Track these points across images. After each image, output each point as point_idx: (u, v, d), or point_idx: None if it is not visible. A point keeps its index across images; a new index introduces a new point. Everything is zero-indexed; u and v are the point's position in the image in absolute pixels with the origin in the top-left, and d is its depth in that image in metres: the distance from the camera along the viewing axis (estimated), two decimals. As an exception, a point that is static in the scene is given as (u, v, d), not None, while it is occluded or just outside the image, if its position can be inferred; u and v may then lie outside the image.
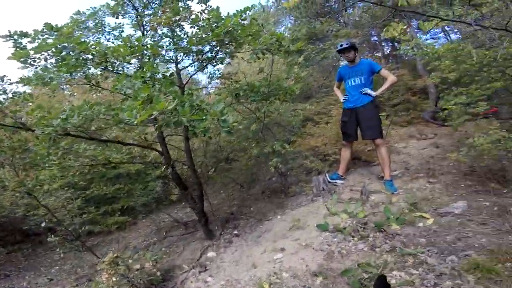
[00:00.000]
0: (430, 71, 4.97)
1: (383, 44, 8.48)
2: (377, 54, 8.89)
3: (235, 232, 3.55)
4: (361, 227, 2.44)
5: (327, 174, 3.58)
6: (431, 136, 4.86)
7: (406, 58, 8.31)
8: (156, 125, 2.02)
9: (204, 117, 2.05)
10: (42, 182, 3.94)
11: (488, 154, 2.63)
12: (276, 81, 3.24)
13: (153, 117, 1.77)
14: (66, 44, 2.57)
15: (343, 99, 3.44)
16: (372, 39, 8.39)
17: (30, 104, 2.88)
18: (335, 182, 3.50)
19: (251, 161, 4.11)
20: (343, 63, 3.56)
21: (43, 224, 4.26)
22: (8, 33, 2.77)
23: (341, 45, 3.26)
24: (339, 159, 3.73)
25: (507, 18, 1.97)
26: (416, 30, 6.72)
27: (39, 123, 2.33)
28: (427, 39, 7.32)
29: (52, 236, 3.79)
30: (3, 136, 3.06)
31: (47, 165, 3.21)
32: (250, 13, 3.01)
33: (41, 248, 5.23)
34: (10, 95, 2.97)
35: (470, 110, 3.10)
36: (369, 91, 3.23)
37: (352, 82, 3.34)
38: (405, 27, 2.21)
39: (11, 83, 2.99)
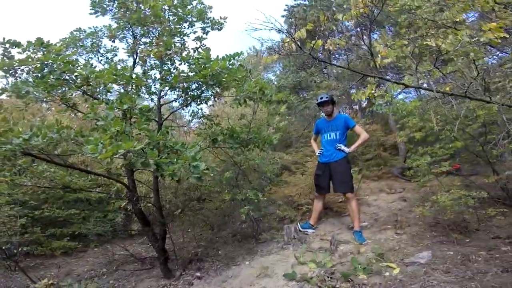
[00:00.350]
0: (400, 128, 5.34)
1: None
2: (355, 106, 9.49)
3: (198, 274, 3.34)
4: (328, 277, 2.43)
5: (298, 223, 3.61)
6: (400, 190, 5.17)
7: (381, 112, 8.93)
8: (122, 164, 1.93)
9: (174, 160, 2.02)
10: (-13, 195, 3.58)
11: (450, 209, 2.82)
12: (256, 129, 3.32)
13: (118, 155, 1.71)
14: (51, 62, 2.55)
15: (318, 153, 3.54)
16: (352, 91, 9.03)
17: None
18: (306, 231, 3.53)
19: (224, 204, 4.01)
20: (323, 115, 3.69)
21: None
22: (2, 40, 2.74)
23: (321, 98, 3.41)
24: (311, 209, 3.79)
25: (469, 81, 2.17)
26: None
27: (-3, 140, 2.18)
28: (398, 94, 7.88)
29: None
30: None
31: (-4, 179, 2.94)
32: (239, 59, 3.18)
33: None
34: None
35: (434, 171, 3.31)
36: (343, 147, 3.35)
37: (328, 136, 3.46)
38: (373, 91, 2.38)
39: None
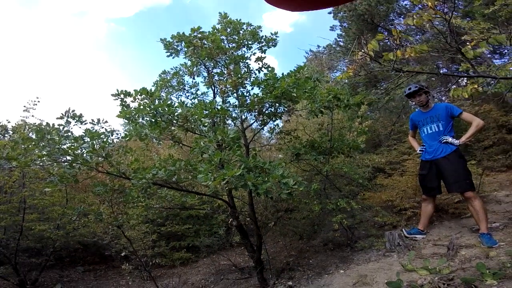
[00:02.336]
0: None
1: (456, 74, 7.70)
2: (453, 86, 8.05)
3: (290, 283, 3.50)
4: (444, 284, 2.16)
5: (404, 229, 3.30)
6: (540, 180, 4.23)
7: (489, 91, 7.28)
8: (226, 187, 2.37)
9: (266, 179, 2.34)
10: (130, 217, 4.79)
11: None
12: (338, 136, 3.36)
13: (224, 182, 2.14)
14: (160, 109, 3.34)
15: (420, 151, 3.17)
16: (441, 71, 7.75)
17: (130, 156, 3.69)
18: (415, 236, 3.18)
19: (312, 213, 4.13)
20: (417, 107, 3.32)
21: (123, 253, 5.06)
22: (116, 92, 3.70)
23: (409, 89, 3.08)
24: (418, 213, 3.52)
25: None
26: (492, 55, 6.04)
27: (136, 177, 3.00)
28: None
29: (127, 264, 4.45)
30: (107, 180, 3.97)
31: (135, 204, 3.97)
32: (304, 71, 3.34)
33: (112, 272, 6.01)
34: (113, 146, 3.87)
35: None
36: (450, 139, 2.91)
37: (428, 129, 3.07)
38: (475, 87, 2.12)
39: (118, 138, 3.95)
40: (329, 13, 10.40)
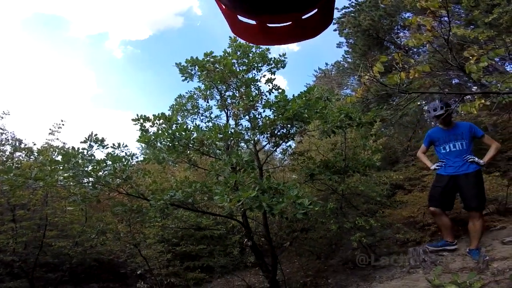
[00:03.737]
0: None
1: (469, 85, 7.58)
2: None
3: None
4: None
5: (428, 245, 3.26)
6: None
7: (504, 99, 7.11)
8: (241, 208, 2.48)
9: (280, 200, 2.43)
10: (146, 237, 4.93)
11: None
12: (352, 155, 3.42)
13: (240, 203, 2.25)
14: (177, 134, 3.55)
15: (438, 166, 3.18)
16: (454, 81, 7.66)
17: (148, 178, 3.89)
18: (445, 248, 3.15)
19: (330, 232, 4.12)
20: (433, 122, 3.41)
21: (139, 272, 5.17)
22: (136, 117, 3.93)
23: (435, 110, 3.06)
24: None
25: None
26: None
27: (154, 198, 3.17)
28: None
29: (142, 282, 4.54)
30: (125, 200, 4.17)
31: (152, 224, 4.12)
32: (314, 92, 3.46)
33: (125, 290, 6.12)
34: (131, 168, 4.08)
35: None
36: (476, 159, 3.00)
37: (451, 147, 3.12)
38: (482, 102, 2.17)
39: (137, 161, 4.18)
40: (335, 30, 10.70)
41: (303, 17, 0.50)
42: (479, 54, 2.34)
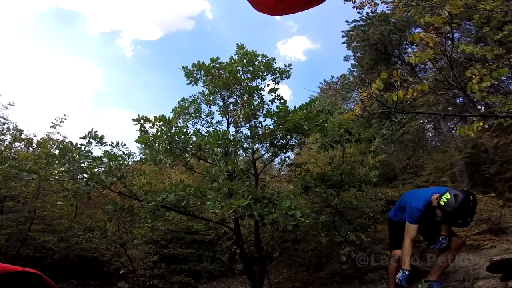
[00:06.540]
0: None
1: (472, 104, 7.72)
2: (471, 118, 8.08)
3: None
4: None
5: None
6: None
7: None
8: (233, 215, 2.58)
9: (273, 210, 2.53)
10: (134, 237, 4.99)
11: None
12: (349, 170, 3.51)
13: (231, 211, 2.35)
14: (176, 137, 3.65)
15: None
16: (458, 100, 7.80)
17: (143, 178, 3.98)
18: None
19: (320, 245, 4.20)
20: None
21: (121, 271, 5.21)
22: (137, 117, 4.03)
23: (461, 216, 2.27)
24: None
25: None
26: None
27: (146, 199, 3.26)
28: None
29: (124, 282, 4.58)
30: (117, 199, 4.24)
31: (142, 224, 4.20)
32: (316, 104, 3.56)
33: (106, 288, 6.11)
34: (127, 168, 4.16)
35: None
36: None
37: None
38: (481, 125, 2.25)
39: (134, 160, 4.27)
40: (343, 43, 10.93)
41: None
42: (482, 74, 2.41)
